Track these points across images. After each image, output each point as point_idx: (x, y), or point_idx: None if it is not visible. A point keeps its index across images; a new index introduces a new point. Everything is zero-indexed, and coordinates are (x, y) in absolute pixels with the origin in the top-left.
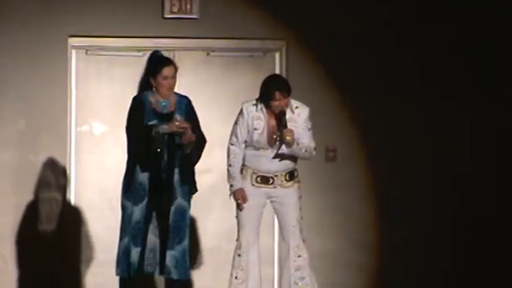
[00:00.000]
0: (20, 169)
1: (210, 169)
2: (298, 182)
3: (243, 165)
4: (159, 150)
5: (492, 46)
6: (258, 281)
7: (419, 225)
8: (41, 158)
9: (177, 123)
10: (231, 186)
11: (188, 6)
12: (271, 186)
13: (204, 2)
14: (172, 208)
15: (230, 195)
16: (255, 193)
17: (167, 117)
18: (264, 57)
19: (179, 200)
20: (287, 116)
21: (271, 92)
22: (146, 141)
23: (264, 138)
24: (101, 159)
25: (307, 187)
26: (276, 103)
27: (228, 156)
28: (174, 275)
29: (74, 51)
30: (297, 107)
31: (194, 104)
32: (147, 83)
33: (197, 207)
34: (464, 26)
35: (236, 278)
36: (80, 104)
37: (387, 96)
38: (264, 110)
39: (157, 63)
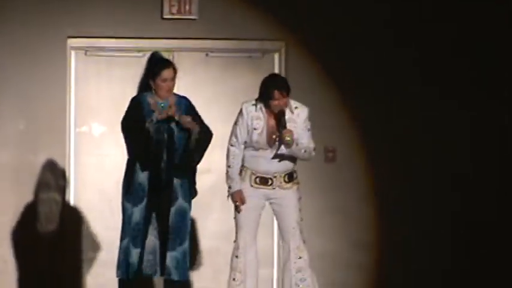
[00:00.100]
0: (19, 169)
1: (210, 169)
2: (298, 183)
3: (242, 166)
4: (159, 139)
5: (492, 46)
6: (255, 282)
7: (419, 225)
8: (41, 159)
9: (169, 113)
10: (230, 187)
11: (187, 7)
12: (270, 187)
13: (203, 2)
14: (173, 209)
15: (228, 196)
16: (253, 194)
17: (166, 121)
18: (263, 58)
19: (180, 201)
20: (286, 117)
21: (271, 91)
22: (140, 133)
23: (263, 138)
24: (100, 160)
25: (307, 187)
26: (275, 102)
27: (228, 158)
28: (175, 276)
29: (73, 52)
30: (296, 108)
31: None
32: (146, 85)
33: (197, 207)
34: (464, 26)
35: (234, 279)
36: (79, 105)
37: (387, 96)
38: (263, 109)
39: (157, 65)
